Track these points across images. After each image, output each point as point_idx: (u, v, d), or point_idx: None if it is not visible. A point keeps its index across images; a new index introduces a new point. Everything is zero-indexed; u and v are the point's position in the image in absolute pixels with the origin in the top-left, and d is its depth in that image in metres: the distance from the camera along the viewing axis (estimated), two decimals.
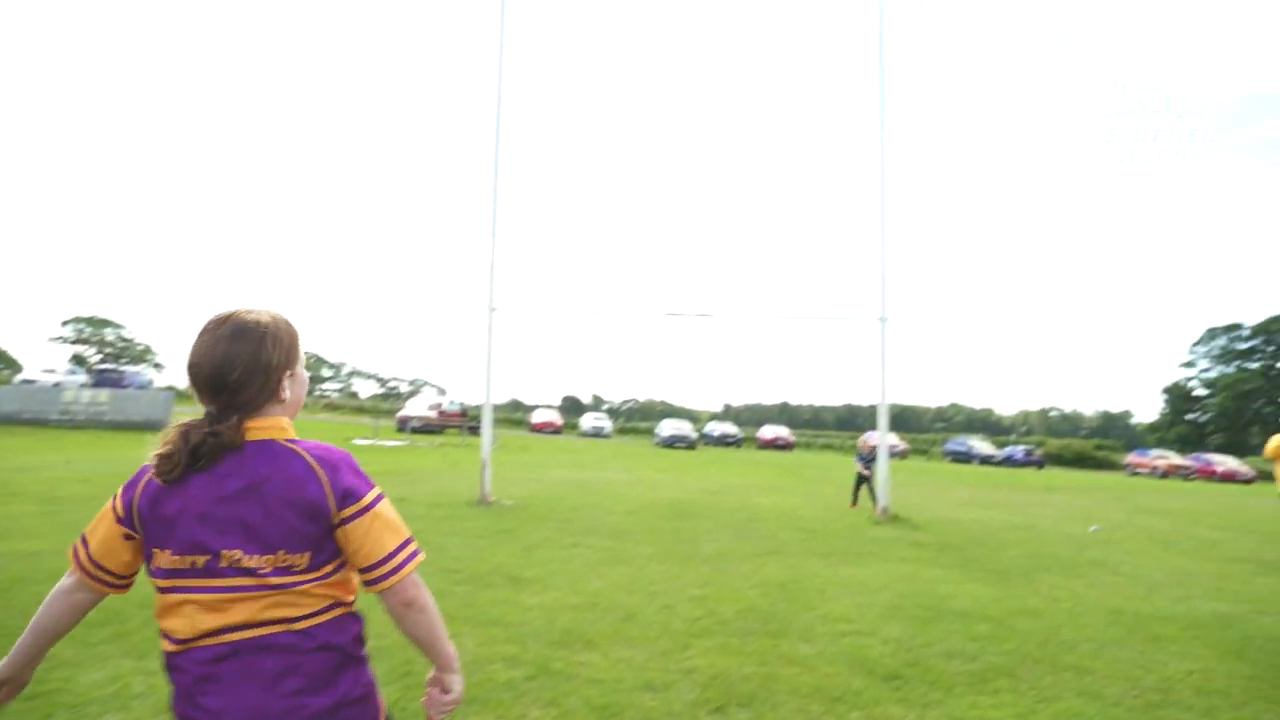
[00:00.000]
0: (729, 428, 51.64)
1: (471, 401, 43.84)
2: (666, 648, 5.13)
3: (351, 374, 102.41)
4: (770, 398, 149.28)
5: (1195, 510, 19.21)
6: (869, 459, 15.52)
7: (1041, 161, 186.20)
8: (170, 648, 1.65)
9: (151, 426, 26.93)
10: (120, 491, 1.73)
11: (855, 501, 15.63)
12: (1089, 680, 4.89)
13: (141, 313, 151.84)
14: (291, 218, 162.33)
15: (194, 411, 1.79)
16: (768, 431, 52.54)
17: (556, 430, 50.11)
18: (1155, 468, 47.13)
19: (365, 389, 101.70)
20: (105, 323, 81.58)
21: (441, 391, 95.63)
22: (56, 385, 32.12)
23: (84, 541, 1.76)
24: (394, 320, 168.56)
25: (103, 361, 71.92)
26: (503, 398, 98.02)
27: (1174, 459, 48.62)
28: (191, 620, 1.63)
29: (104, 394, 29.01)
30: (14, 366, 68.01)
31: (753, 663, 4.88)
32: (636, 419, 74.36)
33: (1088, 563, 9.47)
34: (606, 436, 49.94)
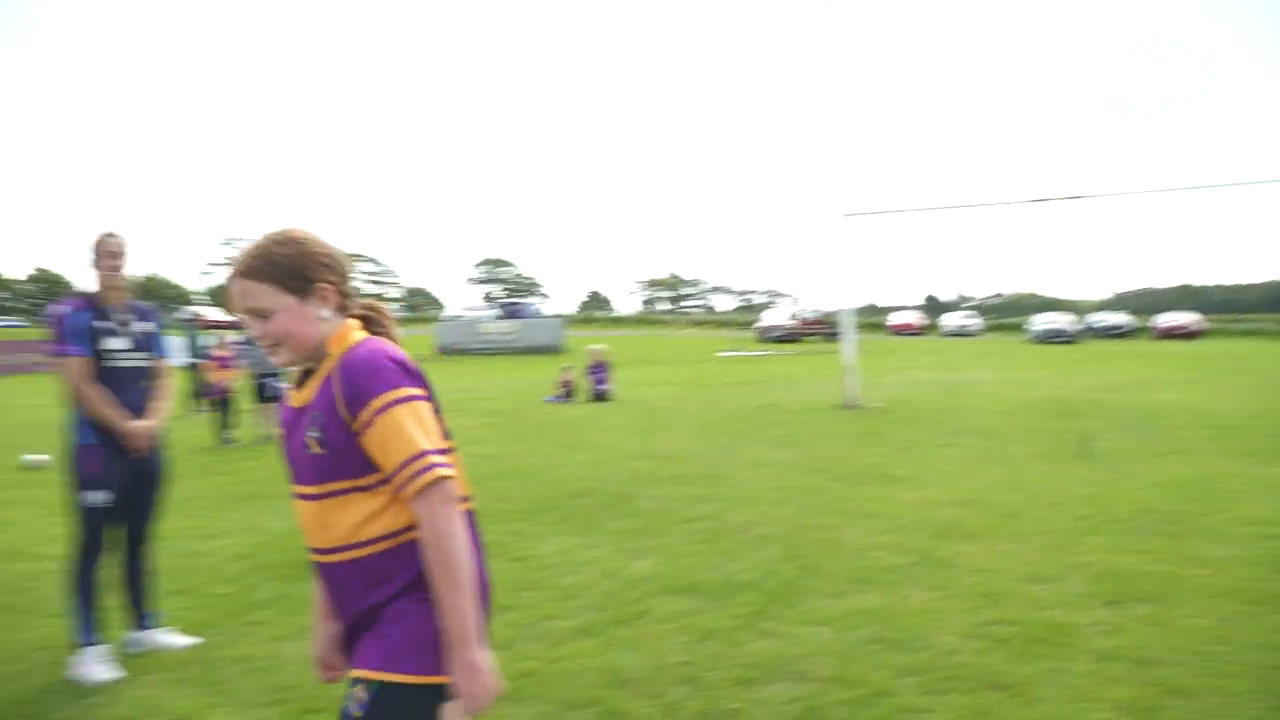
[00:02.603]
0: (1117, 317, 46.24)
1: (826, 308, 43.98)
2: (1052, 543, 5.08)
3: (710, 290, 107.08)
4: (1166, 280, 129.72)
5: None
6: None
7: None
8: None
9: (550, 350, 30.87)
10: (405, 372, 1.65)
11: None
12: None
13: (527, 250, 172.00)
14: (644, 141, 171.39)
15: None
16: (1166, 319, 46.03)
17: (917, 332, 48.53)
18: None
19: (723, 303, 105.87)
20: (502, 262, 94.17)
21: (795, 300, 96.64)
22: (475, 319, 37.94)
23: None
24: (747, 233, 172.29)
25: (506, 296, 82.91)
26: (859, 302, 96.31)
27: None
28: None
29: (512, 324, 33.77)
30: (439, 306, 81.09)
31: (1150, 560, 4.68)
32: (1006, 314, 69.08)
33: None
34: (972, 335, 47.25)
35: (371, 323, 1.80)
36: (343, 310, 1.75)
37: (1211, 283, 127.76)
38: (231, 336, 12.64)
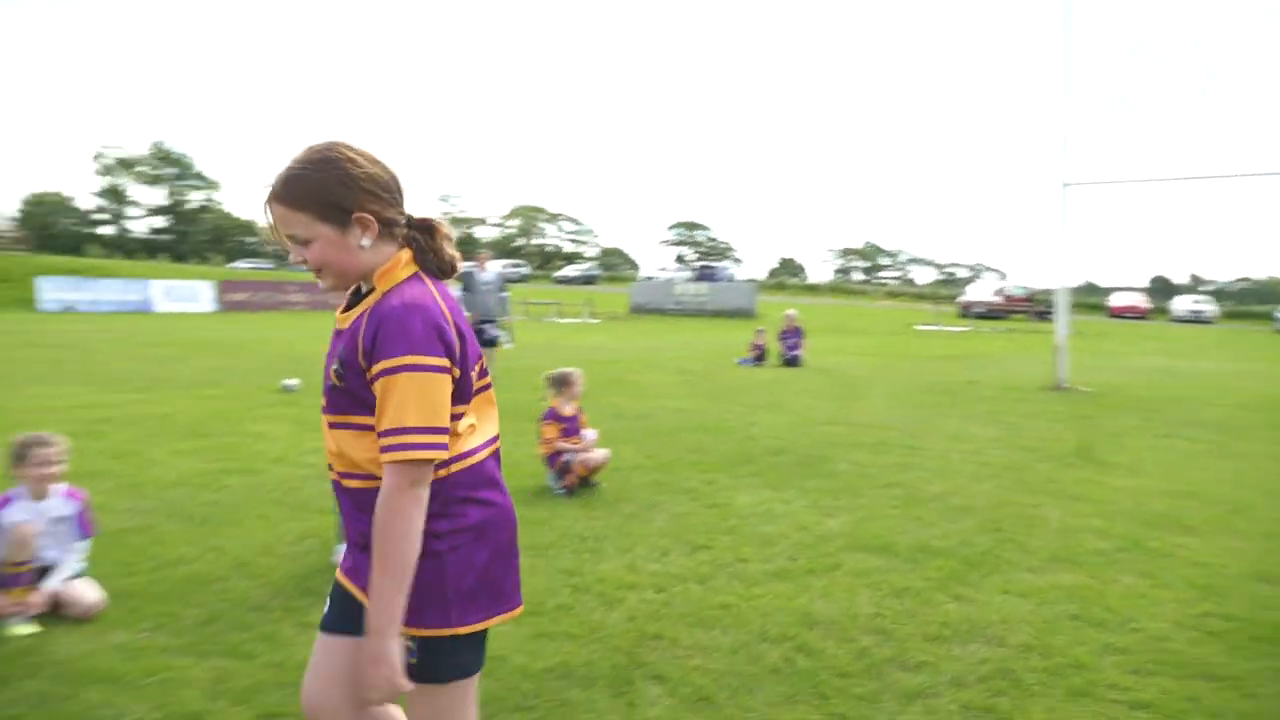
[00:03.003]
0: None
1: (1036, 285, 41.22)
2: None
3: (909, 261, 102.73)
4: None
5: None
6: None
7: None
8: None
9: (742, 314, 30.98)
10: (435, 336, 1.58)
11: None
12: None
13: (721, 214, 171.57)
14: (845, 106, 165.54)
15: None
16: None
17: (1141, 315, 44.55)
18: None
19: (923, 276, 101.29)
20: (697, 225, 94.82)
21: (1002, 276, 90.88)
22: (669, 281, 38.63)
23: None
24: (952, 203, 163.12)
25: (698, 260, 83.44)
26: (1075, 280, 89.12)
27: None
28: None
29: (705, 287, 34.15)
30: (635, 266, 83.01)
31: None
32: (1251, 301, 61.72)
33: None
34: (1208, 322, 42.80)
35: (421, 249, 1.70)
36: (388, 237, 1.66)
37: None
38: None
